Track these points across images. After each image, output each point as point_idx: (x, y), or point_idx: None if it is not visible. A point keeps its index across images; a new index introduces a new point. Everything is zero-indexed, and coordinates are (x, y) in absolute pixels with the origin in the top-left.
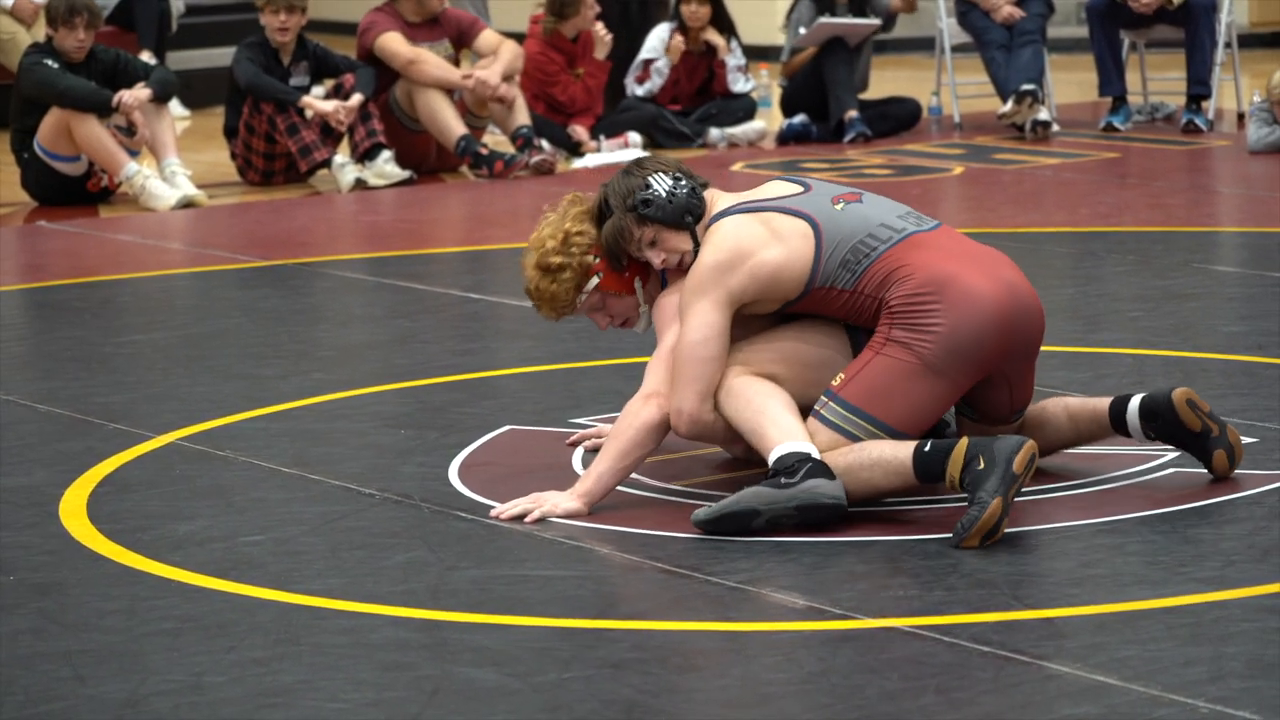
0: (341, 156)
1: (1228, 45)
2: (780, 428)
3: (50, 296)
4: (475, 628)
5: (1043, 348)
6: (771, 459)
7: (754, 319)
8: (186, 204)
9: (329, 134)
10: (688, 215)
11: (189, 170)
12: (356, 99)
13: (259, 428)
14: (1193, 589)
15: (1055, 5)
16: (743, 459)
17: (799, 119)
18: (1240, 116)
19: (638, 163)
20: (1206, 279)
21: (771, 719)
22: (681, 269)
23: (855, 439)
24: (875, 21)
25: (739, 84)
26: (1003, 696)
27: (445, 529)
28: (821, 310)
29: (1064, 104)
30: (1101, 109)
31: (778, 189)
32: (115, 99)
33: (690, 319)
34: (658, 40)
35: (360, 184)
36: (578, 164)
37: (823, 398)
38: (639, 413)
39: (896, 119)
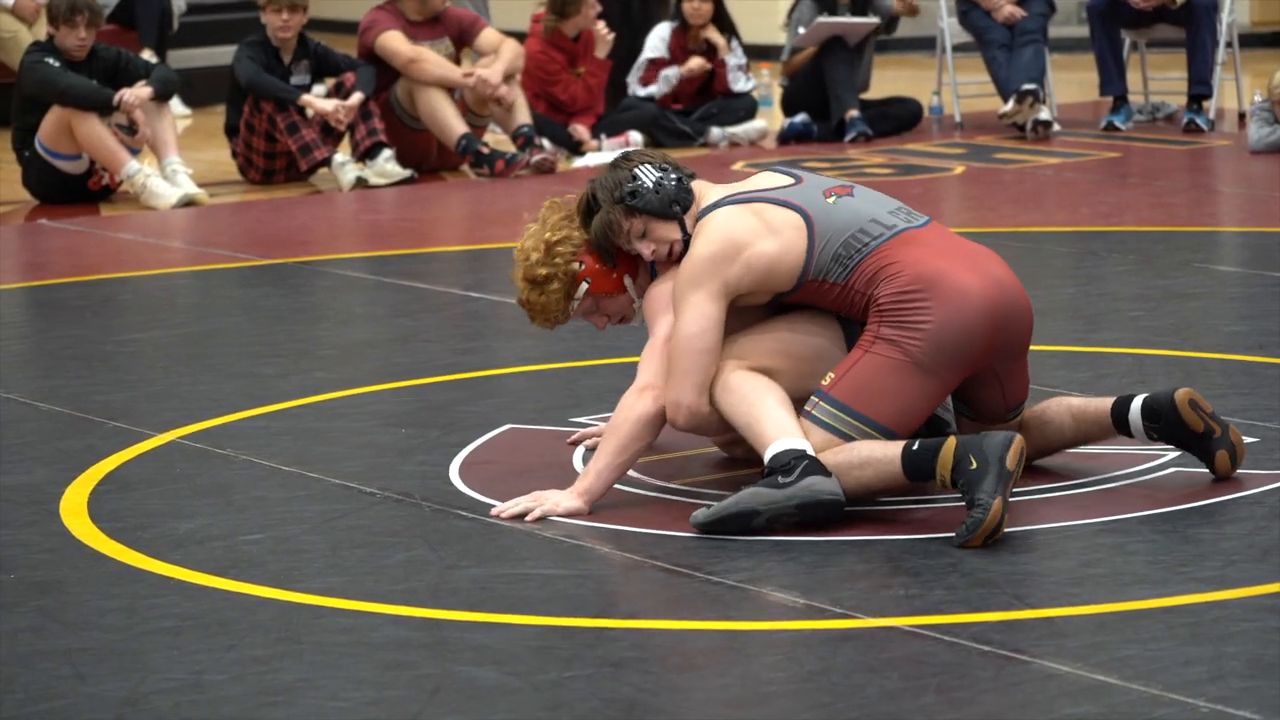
0: (342, 155)
1: (1229, 45)
2: (775, 424)
3: (51, 295)
4: (476, 626)
5: (1044, 347)
6: (767, 456)
7: (747, 310)
8: (187, 202)
9: (329, 133)
10: (676, 205)
11: (190, 169)
12: (357, 98)
13: (259, 426)
14: (1193, 589)
15: (1056, 5)
16: (742, 459)
17: (800, 118)
18: (1241, 116)
19: (624, 156)
20: (1207, 279)
21: (771, 718)
22: (672, 259)
23: (847, 438)
24: (873, 20)
25: (740, 83)
26: (1003, 696)
27: (446, 528)
28: (814, 302)
29: (1065, 103)
30: (1102, 108)
31: (768, 180)
32: (116, 97)
33: (685, 311)
34: (659, 39)
35: (361, 183)
36: (579, 163)
37: (813, 398)
38: (635, 406)
39: (897, 118)
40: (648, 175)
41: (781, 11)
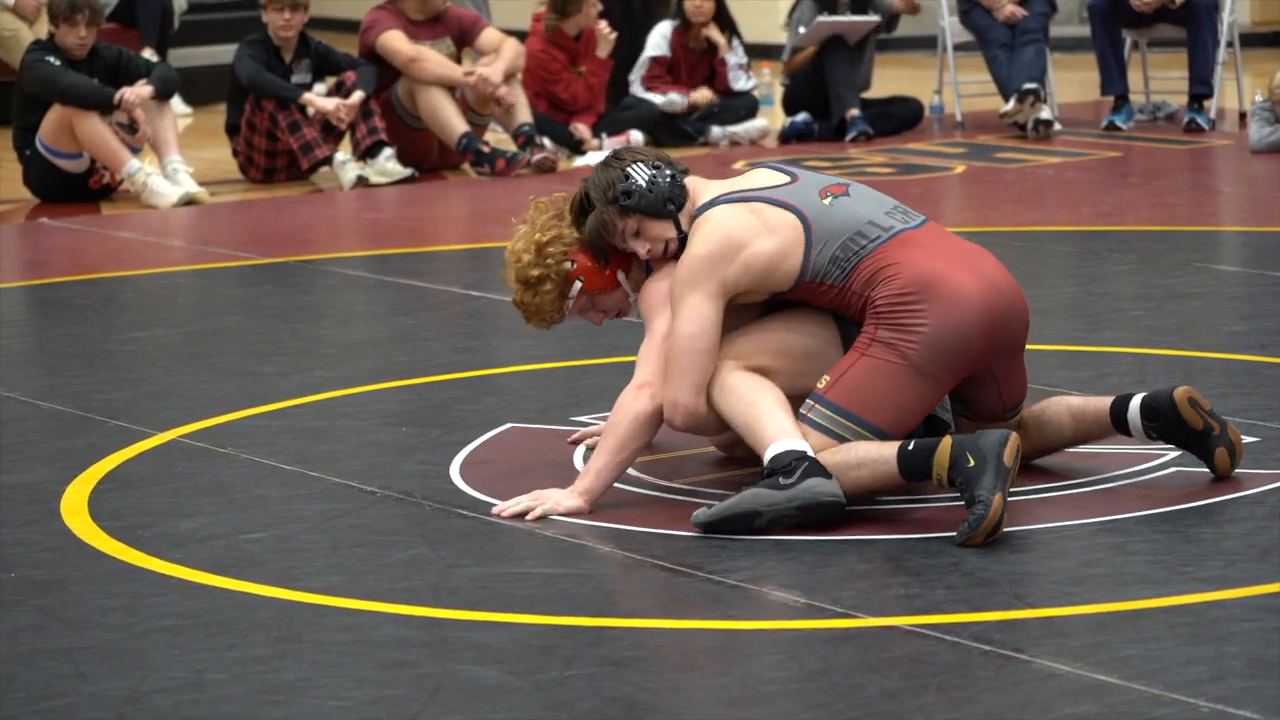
0: (343, 154)
1: (1230, 44)
2: (775, 425)
3: (52, 293)
4: (476, 625)
5: (1044, 347)
6: (767, 457)
7: (743, 308)
8: (188, 201)
9: (330, 131)
10: (669, 203)
11: (191, 167)
12: (358, 96)
13: (260, 425)
14: (1194, 588)
15: (1058, 4)
16: (741, 458)
17: (801, 117)
18: (1242, 116)
19: (615, 154)
20: (1208, 278)
21: (772, 717)
22: (667, 257)
23: (843, 440)
24: (874, 19)
25: (740, 82)
26: (1004, 695)
27: (446, 527)
28: (811, 301)
29: (1066, 103)
30: (1103, 108)
31: (764, 178)
32: (117, 96)
33: (683, 311)
34: (660, 37)
35: (362, 181)
36: (579, 162)
37: (809, 400)
38: (632, 404)
39: (898, 117)
40: (640, 174)
41: (782, 11)
